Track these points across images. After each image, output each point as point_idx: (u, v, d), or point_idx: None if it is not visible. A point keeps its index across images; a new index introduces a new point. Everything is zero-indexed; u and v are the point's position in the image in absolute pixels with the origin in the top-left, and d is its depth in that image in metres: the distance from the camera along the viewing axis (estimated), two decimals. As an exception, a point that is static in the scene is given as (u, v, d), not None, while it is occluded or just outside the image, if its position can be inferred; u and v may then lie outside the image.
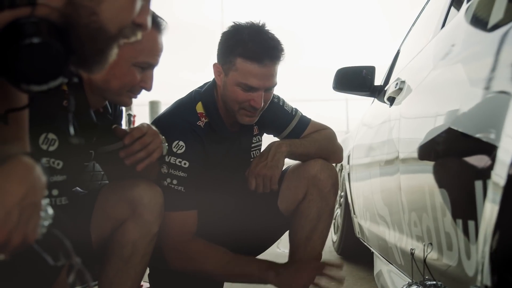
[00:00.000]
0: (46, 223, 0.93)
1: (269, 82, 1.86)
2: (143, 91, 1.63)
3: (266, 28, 1.89)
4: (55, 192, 1.45)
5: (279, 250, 3.72)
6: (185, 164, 1.84)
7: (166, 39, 1.63)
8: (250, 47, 1.82)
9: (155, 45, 1.57)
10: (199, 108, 1.95)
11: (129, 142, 1.59)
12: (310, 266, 1.91)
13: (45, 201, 0.93)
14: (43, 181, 0.92)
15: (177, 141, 1.85)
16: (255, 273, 1.89)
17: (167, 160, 1.83)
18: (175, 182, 1.83)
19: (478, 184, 1.05)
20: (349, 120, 16.34)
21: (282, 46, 1.90)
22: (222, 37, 1.92)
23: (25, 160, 0.90)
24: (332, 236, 3.89)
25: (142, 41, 1.50)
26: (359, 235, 3.10)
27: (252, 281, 1.94)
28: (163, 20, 1.60)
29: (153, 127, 1.67)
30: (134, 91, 1.60)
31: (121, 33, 0.97)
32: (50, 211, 0.94)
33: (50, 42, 0.88)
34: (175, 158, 1.84)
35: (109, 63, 0.99)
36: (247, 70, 1.83)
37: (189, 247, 1.86)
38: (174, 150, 1.84)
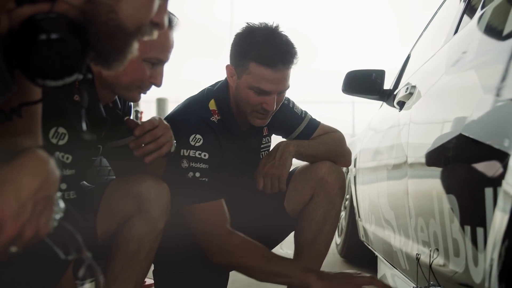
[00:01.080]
0: (58, 216, 0.93)
1: (282, 86, 1.86)
2: (153, 87, 1.64)
3: (279, 30, 1.89)
4: (63, 186, 1.46)
5: (282, 251, 3.72)
6: (205, 155, 1.84)
7: (176, 38, 1.63)
8: (264, 52, 1.82)
9: (166, 41, 1.57)
10: (212, 105, 1.96)
11: (139, 134, 1.59)
12: (360, 281, 1.75)
13: (57, 195, 0.93)
14: (56, 174, 0.92)
15: (194, 135, 1.85)
16: (296, 273, 1.80)
17: (186, 154, 1.83)
18: (198, 174, 1.83)
19: (488, 192, 1.04)
20: (355, 122, 16.33)
21: (296, 49, 1.89)
22: (235, 38, 1.91)
23: (39, 154, 0.91)
24: (336, 239, 3.89)
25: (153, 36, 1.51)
26: (363, 239, 3.10)
27: (291, 283, 1.86)
28: (175, 16, 1.60)
29: (165, 122, 1.67)
30: (143, 87, 1.60)
31: (139, 31, 0.97)
32: (62, 204, 0.95)
33: (67, 38, 0.88)
34: (195, 151, 1.84)
35: (128, 59, 1.00)
36: (260, 74, 1.82)
37: (230, 240, 1.85)
38: (192, 143, 1.84)
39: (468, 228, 1.19)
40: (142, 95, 1.65)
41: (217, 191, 1.88)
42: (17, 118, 1.00)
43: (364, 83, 2.75)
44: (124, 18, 0.93)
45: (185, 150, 1.83)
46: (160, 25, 1.00)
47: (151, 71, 1.57)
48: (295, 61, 1.88)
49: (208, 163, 1.85)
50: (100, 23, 0.92)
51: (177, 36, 1.63)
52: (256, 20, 1.92)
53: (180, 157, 1.83)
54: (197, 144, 1.85)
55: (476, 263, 1.15)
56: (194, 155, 1.84)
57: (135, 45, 0.99)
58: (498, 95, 1.08)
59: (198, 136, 1.85)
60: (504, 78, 1.07)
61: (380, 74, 2.75)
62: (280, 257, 1.90)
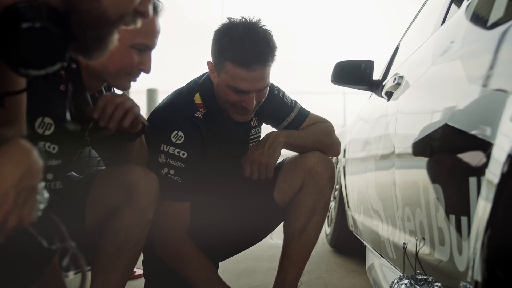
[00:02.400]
0: (42, 206, 0.93)
1: (260, 84, 1.85)
2: (142, 75, 1.62)
3: (260, 25, 1.86)
4: (49, 176, 1.45)
5: (272, 241, 3.74)
6: (183, 154, 1.84)
7: (167, 31, 1.62)
8: (239, 51, 1.79)
9: (152, 27, 1.57)
10: (197, 98, 1.95)
11: (98, 115, 1.53)
12: None
13: (41, 185, 0.93)
14: (40, 164, 0.92)
15: (176, 131, 1.85)
16: None
17: (165, 149, 1.83)
18: (172, 172, 1.83)
19: (472, 181, 1.05)
20: (346, 113, 16.37)
21: (274, 47, 1.86)
22: (214, 35, 1.89)
23: (22, 144, 0.90)
24: (326, 229, 3.91)
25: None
26: (352, 228, 3.11)
27: None
28: (160, 1, 1.59)
29: (117, 94, 1.63)
30: (132, 74, 1.59)
31: (121, 20, 0.97)
32: (46, 194, 0.94)
33: (49, 27, 0.88)
34: (174, 148, 1.84)
35: (109, 50, 0.99)
36: (236, 74, 1.81)
37: (179, 246, 1.87)
38: (173, 140, 1.84)
39: (453, 217, 1.20)
40: (132, 85, 1.64)
41: (186, 194, 1.88)
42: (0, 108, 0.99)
43: (353, 74, 2.75)
44: (107, 6, 0.92)
45: (165, 146, 1.84)
46: (144, 14, 0.99)
47: (139, 57, 1.56)
48: (272, 60, 1.86)
49: (185, 162, 1.84)
50: (82, 12, 0.91)
51: (168, 29, 1.62)
52: (241, 14, 1.89)
53: (159, 152, 1.84)
54: (178, 142, 1.84)
55: (460, 251, 1.16)
56: (173, 152, 1.84)
57: (116, 35, 0.98)
58: (483, 85, 1.09)
59: (180, 133, 1.85)
60: (490, 67, 1.08)
61: (369, 64, 2.75)
62: (219, 282, 1.91)
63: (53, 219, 0.93)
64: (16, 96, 1.03)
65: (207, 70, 1.99)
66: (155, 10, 1.57)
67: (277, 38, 1.89)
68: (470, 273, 1.02)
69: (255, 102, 1.86)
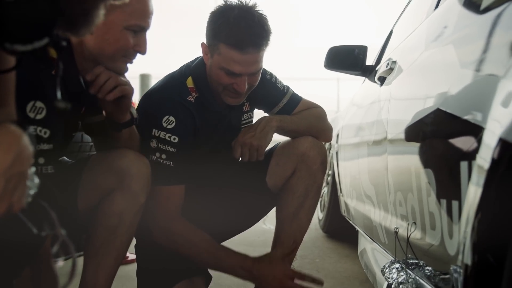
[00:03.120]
0: (32, 192, 0.92)
1: (252, 68, 1.84)
2: (135, 60, 1.62)
3: (255, 10, 1.84)
4: (41, 160, 1.44)
5: (265, 227, 3.75)
6: (174, 139, 1.84)
7: (160, 16, 1.61)
8: (234, 34, 1.79)
9: (145, 8, 1.56)
10: (190, 82, 1.94)
11: (90, 78, 1.56)
12: (284, 272, 1.91)
13: (31, 170, 0.92)
14: (30, 150, 0.91)
15: (167, 116, 1.84)
16: (234, 268, 1.89)
17: (157, 134, 1.83)
18: (164, 156, 1.83)
19: (464, 166, 1.06)
20: (340, 99, 16.37)
21: (268, 31, 1.85)
22: (209, 17, 1.88)
23: (12, 129, 0.89)
24: (318, 214, 3.93)
25: (132, 3, 1.51)
26: (345, 214, 3.13)
27: (227, 273, 1.95)
28: None
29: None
30: (128, 56, 1.58)
31: None
32: (36, 180, 0.94)
33: (35, 2, 0.86)
34: (165, 133, 1.83)
35: (96, 25, 0.98)
36: (229, 56, 1.80)
37: (175, 227, 1.86)
38: (164, 125, 1.83)
39: (444, 202, 1.20)
40: (128, 68, 1.64)
41: (179, 176, 1.87)
42: None
43: (347, 59, 2.75)
44: None
45: (156, 131, 1.83)
46: None
47: (134, 39, 1.56)
48: (266, 43, 1.85)
49: (176, 147, 1.84)
50: None
51: (161, 14, 1.61)
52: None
53: (151, 137, 1.83)
54: (169, 127, 1.84)
55: (451, 236, 1.16)
56: (164, 137, 1.83)
57: (102, 10, 0.98)
58: (475, 70, 1.09)
59: (171, 118, 1.84)
60: (482, 52, 1.08)
61: (363, 50, 2.75)
62: (222, 249, 1.92)
63: (43, 205, 0.93)
64: (4, 79, 1.02)
65: (200, 55, 1.98)
66: None
67: (273, 23, 1.89)
68: (460, 257, 1.03)
69: (247, 86, 1.86)
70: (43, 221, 0.93)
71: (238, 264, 1.88)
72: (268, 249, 2.15)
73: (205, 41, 1.90)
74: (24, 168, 0.89)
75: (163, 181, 1.80)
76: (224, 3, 1.87)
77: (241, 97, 1.91)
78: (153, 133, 1.83)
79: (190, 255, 1.88)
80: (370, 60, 2.77)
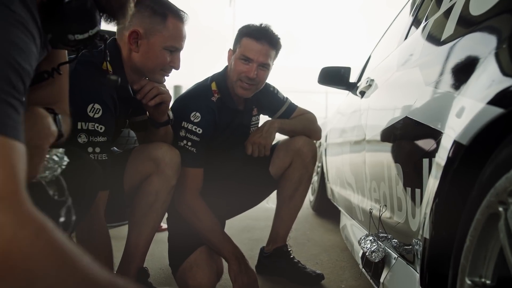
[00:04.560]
0: (56, 166, 0.90)
1: (263, 58, 1.86)
2: (174, 72, 1.64)
3: (271, 26, 1.92)
4: (97, 149, 1.45)
5: (268, 205, 3.74)
6: (199, 130, 1.84)
7: (190, 40, 1.63)
8: (253, 29, 1.88)
9: (179, 33, 1.58)
10: (213, 86, 1.96)
11: (137, 88, 1.60)
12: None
13: (59, 150, 0.91)
14: (50, 129, 0.90)
15: (194, 112, 1.85)
16: (224, 252, 1.82)
17: (185, 126, 1.83)
18: (189, 144, 1.83)
19: (425, 162, 1.06)
20: (328, 108, 16.30)
21: (279, 41, 1.91)
22: (238, 29, 1.95)
23: (38, 111, 0.90)
24: (310, 197, 3.92)
25: (169, 29, 1.52)
26: (330, 197, 3.12)
27: (219, 254, 1.86)
28: (185, 13, 1.61)
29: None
30: (166, 70, 1.60)
31: None
32: (65, 159, 0.92)
33: (85, 0, 0.92)
34: (192, 125, 1.84)
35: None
36: (247, 44, 1.86)
37: (194, 203, 1.84)
38: (192, 119, 1.84)
39: (409, 189, 1.20)
40: (165, 80, 1.66)
41: (200, 162, 1.85)
42: (47, 88, 0.99)
43: (335, 77, 2.75)
44: None
45: (185, 123, 1.84)
46: None
47: (170, 57, 1.58)
48: (277, 44, 1.90)
49: (200, 137, 1.84)
50: None
51: (191, 37, 1.63)
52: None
53: (180, 127, 1.84)
54: (196, 120, 1.84)
55: (414, 215, 1.16)
56: (191, 128, 1.84)
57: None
58: (435, 87, 1.09)
59: (197, 114, 1.85)
60: (440, 75, 1.08)
61: (347, 70, 2.75)
62: (222, 235, 1.86)
63: (61, 180, 0.91)
64: (60, 79, 1.04)
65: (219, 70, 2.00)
66: (182, 19, 1.58)
67: (284, 43, 1.97)
68: (420, 232, 1.03)
69: (256, 77, 1.87)
70: (62, 191, 0.91)
71: (232, 250, 1.82)
72: (270, 222, 2.16)
73: (231, 48, 1.96)
74: (41, 142, 0.88)
75: (187, 163, 1.78)
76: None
77: (250, 90, 1.92)
78: (182, 125, 1.83)
79: (199, 229, 1.84)
80: (353, 78, 2.76)
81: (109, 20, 1.01)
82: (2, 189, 0.59)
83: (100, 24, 0.97)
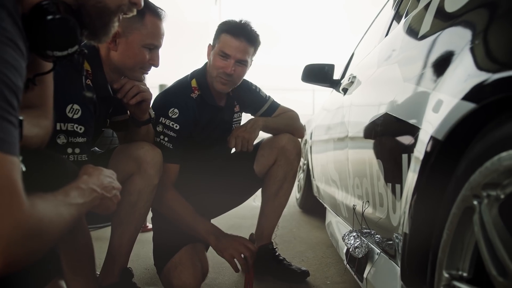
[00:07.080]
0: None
1: (240, 54, 1.87)
2: (154, 72, 1.65)
3: (250, 23, 1.92)
4: (77, 150, 1.43)
5: (254, 204, 3.74)
6: (176, 126, 1.84)
7: (172, 34, 1.62)
8: (233, 25, 1.89)
9: (157, 30, 1.58)
10: (194, 83, 1.96)
11: (117, 87, 1.59)
12: (242, 244, 1.81)
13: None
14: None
15: (173, 108, 1.86)
16: (201, 232, 1.84)
17: (163, 121, 1.83)
18: (166, 139, 1.83)
19: (405, 157, 1.06)
20: (315, 106, 16.37)
21: (258, 38, 1.92)
22: (218, 25, 1.95)
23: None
24: (296, 194, 3.93)
25: (147, 27, 1.53)
26: (316, 194, 3.13)
27: (199, 238, 1.87)
28: (163, 10, 1.61)
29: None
30: (145, 68, 1.61)
31: (119, 10, 1.02)
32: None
33: (67, 17, 0.92)
34: (169, 121, 1.84)
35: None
36: (226, 41, 1.87)
37: (166, 196, 1.83)
38: (170, 115, 1.85)
39: (390, 185, 1.21)
40: (147, 82, 1.66)
41: (175, 158, 1.85)
42: (31, 92, 0.99)
43: (319, 74, 2.75)
44: (107, 1, 0.98)
45: (163, 118, 1.84)
46: (137, 4, 1.04)
47: (149, 55, 1.58)
48: (255, 41, 1.91)
49: (177, 132, 1.84)
50: (89, 6, 0.97)
51: (174, 33, 1.62)
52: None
53: (158, 123, 1.84)
54: (173, 116, 1.85)
55: (394, 211, 1.17)
56: (168, 124, 1.84)
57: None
58: (415, 84, 1.09)
59: (176, 110, 1.85)
60: (419, 70, 1.08)
61: (331, 67, 2.75)
62: (198, 218, 1.85)
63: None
64: (44, 82, 1.04)
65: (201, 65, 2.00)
66: (159, 17, 1.59)
67: (270, 41, 1.98)
68: (401, 227, 1.04)
69: (233, 73, 1.88)
70: None
71: (208, 229, 1.83)
72: (255, 221, 2.16)
73: (210, 43, 1.96)
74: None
75: (163, 159, 1.77)
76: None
77: (229, 85, 1.92)
78: (160, 120, 1.84)
79: (176, 219, 1.84)
80: (337, 75, 2.77)
81: (90, 37, 1.01)
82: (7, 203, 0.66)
83: (80, 43, 0.97)
